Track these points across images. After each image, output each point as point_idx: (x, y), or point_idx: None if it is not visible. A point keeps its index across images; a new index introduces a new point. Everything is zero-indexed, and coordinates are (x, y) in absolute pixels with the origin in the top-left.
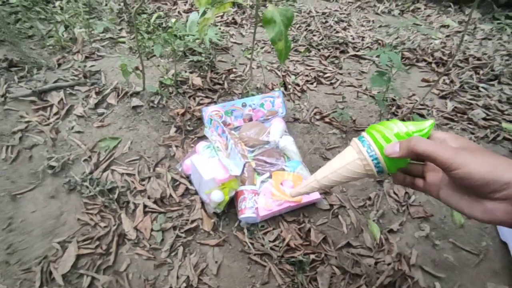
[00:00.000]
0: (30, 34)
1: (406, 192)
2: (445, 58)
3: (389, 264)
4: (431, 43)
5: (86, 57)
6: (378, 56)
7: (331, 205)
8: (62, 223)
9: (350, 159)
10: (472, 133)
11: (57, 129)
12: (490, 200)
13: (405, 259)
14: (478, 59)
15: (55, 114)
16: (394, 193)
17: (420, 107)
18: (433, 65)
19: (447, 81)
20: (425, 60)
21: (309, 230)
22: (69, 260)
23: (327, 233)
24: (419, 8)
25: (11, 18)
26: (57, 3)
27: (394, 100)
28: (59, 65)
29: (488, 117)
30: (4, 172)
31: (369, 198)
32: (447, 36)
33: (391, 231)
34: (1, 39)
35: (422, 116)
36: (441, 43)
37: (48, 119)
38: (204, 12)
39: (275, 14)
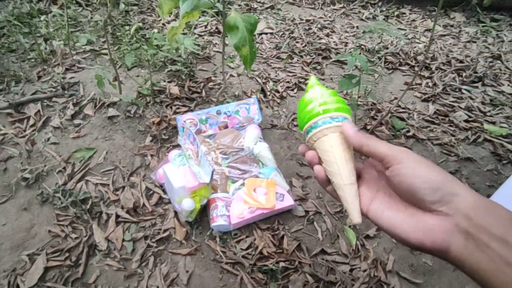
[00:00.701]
0: (14, 48)
1: None
2: (428, 61)
3: (364, 270)
4: (415, 47)
5: (67, 69)
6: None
7: (307, 212)
8: (33, 236)
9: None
10: (453, 135)
11: (33, 140)
12: (431, 214)
13: (381, 265)
14: (461, 61)
15: (32, 126)
16: None
17: (401, 110)
18: (416, 69)
19: (430, 84)
20: (408, 64)
21: (282, 237)
22: (37, 273)
23: (302, 240)
24: (404, 13)
25: None
26: (42, 17)
27: (374, 104)
28: (39, 77)
29: (470, 119)
30: None
31: None
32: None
33: (367, 236)
34: None
35: (402, 119)
36: (424, 46)
37: (24, 131)
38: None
39: (238, 20)
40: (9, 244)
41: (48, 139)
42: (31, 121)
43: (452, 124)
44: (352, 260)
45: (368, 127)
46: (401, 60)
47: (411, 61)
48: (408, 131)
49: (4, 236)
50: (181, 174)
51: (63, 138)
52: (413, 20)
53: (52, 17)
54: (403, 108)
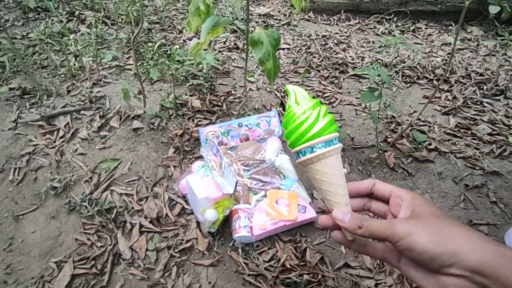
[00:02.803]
0: (45, 65)
1: None
2: (447, 75)
3: (390, 286)
4: (432, 61)
5: (94, 84)
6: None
7: None
8: (60, 243)
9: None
10: (477, 149)
11: (62, 151)
12: (444, 275)
13: (407, 280)
14: (481, 74)
15: (61, 137)
16: None
17: (421, 123)
18: (435, 82)
19: (450, 97)
20: (426, 78)
21: (305, 249)
22: (64, 280)
23: (325, 253)
24: (420, 28)
25: (29, 50)
26: (71, 36)
27: (393, 117)
28: (69, 91)
29: (493, 132)
30: (9, 193)
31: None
32: (449, 53)
33: None
34: (18, 70)
35: (423, 132)
36: (442, 60)
37: (54, 142)
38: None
39: (262, 36)
40: (37, 251)
41: (76, 150)
42: (61, 133)
43: (475, 137)
44: (377, 274)
45: (389, 140)
46: (419, 74)
47: (429, 75)
48: (430, 144)
49: (33, 243)
50: (204, 185)
51: (89, 149)
52: (429, 35)
53: (81, 36)
54: (423, 121)
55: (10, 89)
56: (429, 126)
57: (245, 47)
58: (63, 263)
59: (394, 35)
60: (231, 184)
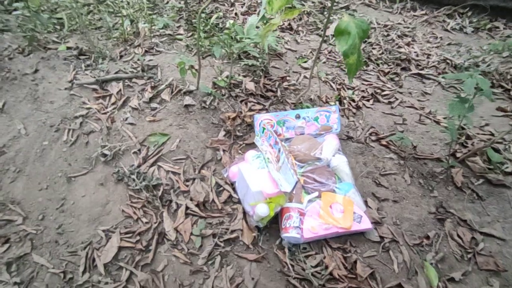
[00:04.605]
0: (99, 26)
1: (473, 238)
2: None
3: None
4: (511, 68)
5: (146, 51)
6: (459, 80)
7: (382, 238)
8: (107, 212)
9: None
10: None
11: (113, 118)
12: None
13: None
14: None
15: (113, 104)
16: (458, 235)
17: (497, 140)
18: None
19: None
20: (502, 86)
21: (355, 261)
22: (111, 251)
23: (376, 268)
24: (498, 28)
25: (84, 9)
26: None
27: (463, 128)
28: (121, 56)
29: None
30: (63, 154)
31: (427, 237)
32: None
33: (451, 279)
34: (74, 29)
35: (497, 151)
36: None
37: (106, 108)
38: (263, 17)
39: (351, 25)
40: (87, 216)
41: (126, 119)
42: (113, 99)
43: None
44: None
45: (458, 154)
46: (494, 81)
47: (507, 84)
48: (508, 167)
49: (83, 207)
50: (259, 177)
51: (139, 120)
52: (508, 36)
53: None
54: (500, 138)
55: (68, 48)
56: (505, 145)
57: (299, 28)
58: (111, 233)
59: (466, 33)
60: (290, 183)
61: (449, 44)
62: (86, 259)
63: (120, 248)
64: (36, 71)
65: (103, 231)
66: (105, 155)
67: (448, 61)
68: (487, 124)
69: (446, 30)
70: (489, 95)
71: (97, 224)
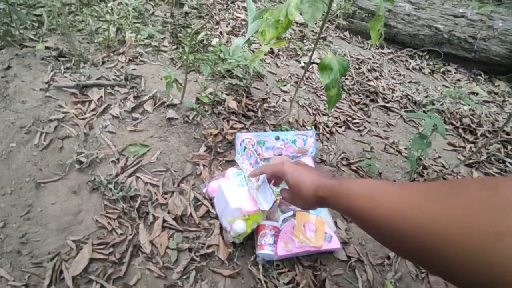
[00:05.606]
0: (80, 28)
1: None
2: (473, 125)
3: None
4: (460, 108)
5: (129, 60)
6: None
7: (349, 257)
8: (79, 222)
9: None
10: None
11: (91, 125)
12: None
13: None
14: (508, 133)
15: (92, 110)
16: None
17: (446, 171)
18: (460, 131)
19: (474, 149)
20: (452, 124)
21: (324, 279)
22: (82, 263)
23: (342, 286)
24: (450, 71)
25: (65, 9)
26: (109, 4)
27: (420, 159)
28: (103, 62)
29: None
30: (33, 157)
31: (388, 257)
32: (476, 103)
33: None
34: (54, 28)
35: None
36: (470, 109)
37: (85, 113)
38: (248, 40)
39: (333, 62)
40: (55, 225)
41: (106, 126)
42: (92, 105)
43: None
44: None
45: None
46: (446, 119)
47: (456, 122)
48: None
49: (52, 215)
50: (239, 195)
51: (120, 129)
52: (458, 80)
53: (118, 5)
54: (447, 169)
55: (47, 47)
56: (454, 176)
57: (279, 53)
58: (82, 244)
59: (424, 73)
60: (268, 202)
61: (410, 82)
62: (53, 271)
63: (92, 260)
64: (8, 67)
65: (74, 241)
66: (80, 162)
67: (409, 97)
68: (439, 157)
69: (408, 69)
70: (443, 133)
71: (67, 234)
